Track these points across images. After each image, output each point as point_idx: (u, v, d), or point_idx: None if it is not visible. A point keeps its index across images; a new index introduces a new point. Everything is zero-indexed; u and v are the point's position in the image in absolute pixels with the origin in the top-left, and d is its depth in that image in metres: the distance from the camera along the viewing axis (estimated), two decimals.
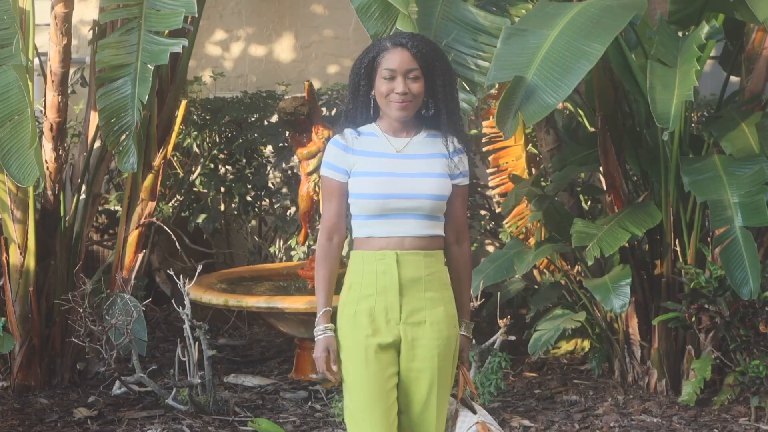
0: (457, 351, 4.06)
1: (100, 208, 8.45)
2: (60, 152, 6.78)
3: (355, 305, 3.97)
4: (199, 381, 6.37)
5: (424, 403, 4.00)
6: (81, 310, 6.44)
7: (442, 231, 4.03)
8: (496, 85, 6.62)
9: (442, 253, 4.04)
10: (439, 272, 4.01)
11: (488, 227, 8.52)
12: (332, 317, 4.01)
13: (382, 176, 3.95)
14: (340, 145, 4.01)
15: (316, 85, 8.94)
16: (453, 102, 4.03)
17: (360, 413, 3.97)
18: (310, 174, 7.17)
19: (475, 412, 4.11)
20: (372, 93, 3.99)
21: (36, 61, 6.81)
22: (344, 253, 4.16)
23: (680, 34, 6.14)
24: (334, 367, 3.98)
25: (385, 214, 3.94)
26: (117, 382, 6.80)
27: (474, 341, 5.95)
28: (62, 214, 6.95)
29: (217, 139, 8.85)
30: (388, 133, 4.01)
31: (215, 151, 8.81)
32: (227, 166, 8.94)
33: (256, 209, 8.98)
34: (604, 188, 6.94)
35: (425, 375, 3.98)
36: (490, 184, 7.99)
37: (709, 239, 6.43)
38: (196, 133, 8.70)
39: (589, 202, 7.87)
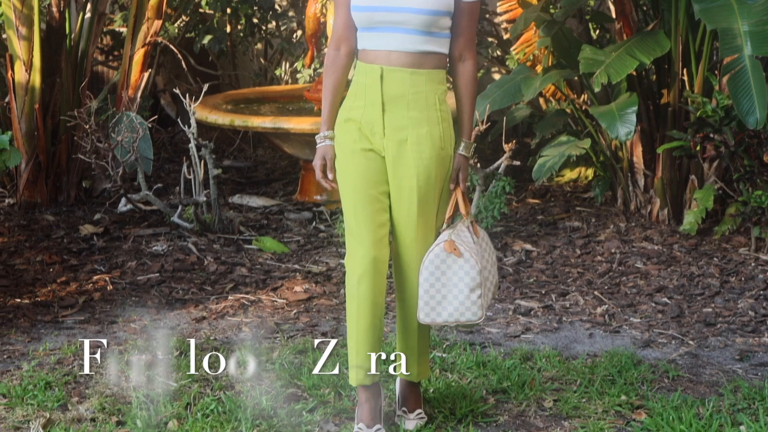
0: (448, 173, 4.04)
1: (105, 29, 8.39)
2: None
3: (347, 113, 4.01)
4: (205, 199, 6.41)
5: (405, 223, 4.01)
6: (87, 127, 6.43)
7: (442, 48, 3.96)
8: None
9: (438, 73, 3.98)
10: (428, 92, 3.96)
11: (495, 54, 8.47)
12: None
13: None
14: None
15: None
16: None
17: (348, 216, 4.01)
18: None
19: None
20: None
21: None
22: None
23: None
24: (330, 175, 4.05)
25: (372, 27, 3.92)
26: (123, 200, 6.84)
27: (479, 165, 5.97)
28: (68, 32, 6.90)
29: None
30: None
31: None
32: None
33: (263, 31, 8.90)
34: (614, 16, 6.87)
35: (405, 194, 3.98)
36: (498, 10, 7.90)
37: (717, 70, 6.40)
38: None
39: (597, 31, 7.80)
